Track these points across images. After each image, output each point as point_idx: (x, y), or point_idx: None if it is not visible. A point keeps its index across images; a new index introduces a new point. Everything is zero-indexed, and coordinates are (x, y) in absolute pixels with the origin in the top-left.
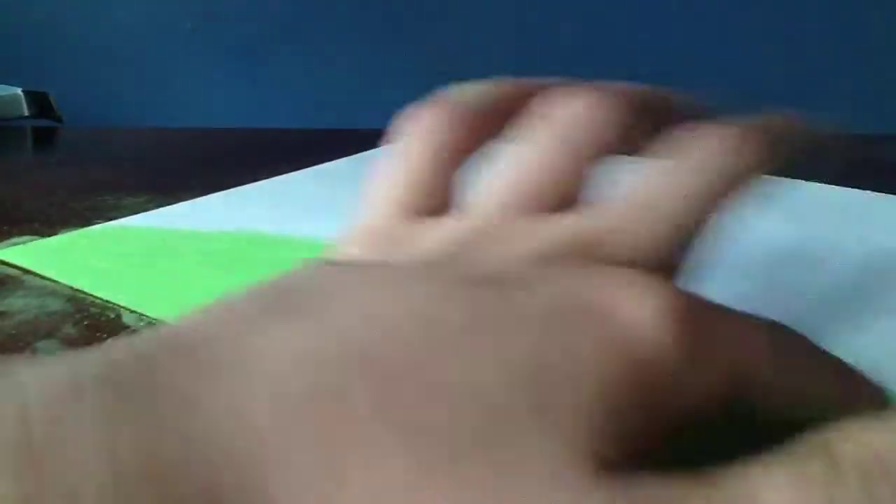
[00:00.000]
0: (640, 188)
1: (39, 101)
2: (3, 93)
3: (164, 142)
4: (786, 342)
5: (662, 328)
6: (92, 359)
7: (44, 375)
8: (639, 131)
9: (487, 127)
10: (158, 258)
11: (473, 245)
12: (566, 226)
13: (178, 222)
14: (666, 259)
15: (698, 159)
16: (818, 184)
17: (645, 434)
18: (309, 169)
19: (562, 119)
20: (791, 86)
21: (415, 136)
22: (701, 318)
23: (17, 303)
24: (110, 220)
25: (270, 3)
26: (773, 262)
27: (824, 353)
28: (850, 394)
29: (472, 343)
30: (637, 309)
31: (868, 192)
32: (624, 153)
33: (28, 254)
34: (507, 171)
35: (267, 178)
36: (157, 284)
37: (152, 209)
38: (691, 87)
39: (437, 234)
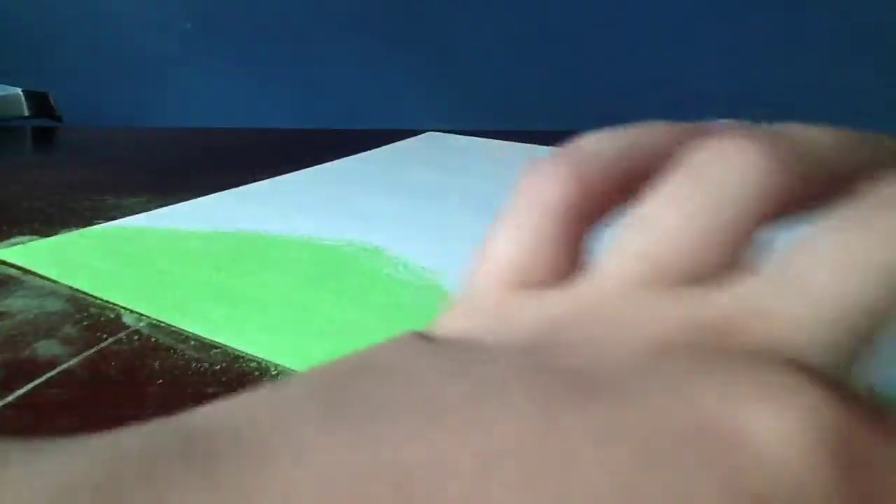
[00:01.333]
0: (796, 254)
1: (39, 101)
2: (3, 93)
3: (164, 142)
4: None
5: (810, 457)
6: (92, 458)
7: (32, 476)
8: (807, 195)
9: (623, 183)
10: (158, 258)
11: (575, 324)
12: (699, 305)
13: (178, 222)
14: (837, 351)
15: (879, 225)
16: None
17: None
18: (309, 169)
19: (714, 172)
20: (791, 86)
21: (534, 194)
22: (866, 439)
23: (16, 303)
24: (110, 220)
25: (270, 3)
26: None
27: None
28: None
29: (531, 489)
30: (776, 429)
31: None
32: (784, 218)
33: (28, 254)
34: (637, 235)
35: (267, 178)
36: (156, 284)
37: (152, 209)
38: (691, 87)
39: (538, 308)
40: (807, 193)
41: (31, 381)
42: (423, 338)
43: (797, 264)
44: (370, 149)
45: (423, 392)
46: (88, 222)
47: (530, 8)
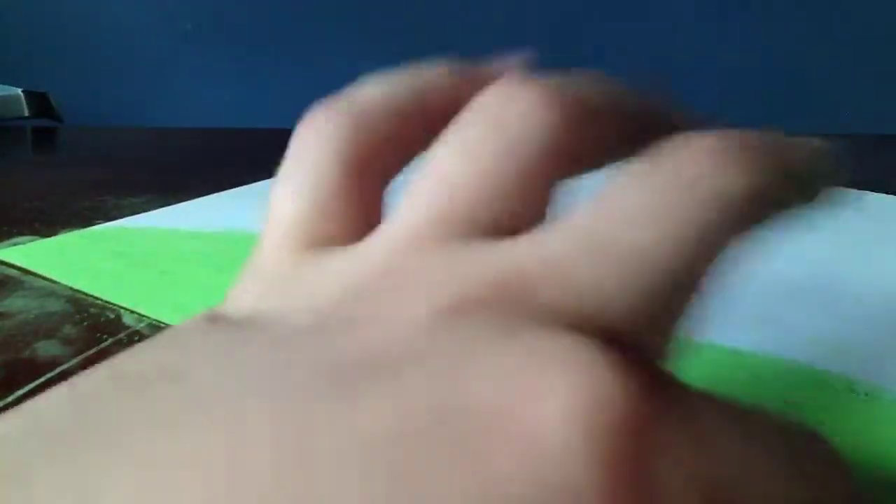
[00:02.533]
0: (603, 206)
1: (39, 101)
2: (3, 93)
3: (164, 142)
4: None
5: (577, 443)
6: None
7: None
8: (606, 142)
9: (407, 130)
10: (159, 258)
11: (364, 292)
12: (494, 260)
13: (179, 222)
14: (643, 317)
15: (687, 173)
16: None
17: None
18: None
19: (507, 118)
20: (791, 86)
21: (312, 144)
22: (649, 423)
23: (17, 303)
24: (110, 220)
25: (270, 3)
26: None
27: None
28: None
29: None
30: (548, 410)
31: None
32: (586, 169)
33: (28, 254)
34: (430, 183)
35: (267, 178)
36: (157, 285)
37: (152, 209)
38: (691, 87)
39: (328, 274)
40: (600, 144)
41: (31, 381)
42: (211, 320)
43: (599, 219)
44: None
45: (188, 392)
46: (88, 222)
47: (530, 8)
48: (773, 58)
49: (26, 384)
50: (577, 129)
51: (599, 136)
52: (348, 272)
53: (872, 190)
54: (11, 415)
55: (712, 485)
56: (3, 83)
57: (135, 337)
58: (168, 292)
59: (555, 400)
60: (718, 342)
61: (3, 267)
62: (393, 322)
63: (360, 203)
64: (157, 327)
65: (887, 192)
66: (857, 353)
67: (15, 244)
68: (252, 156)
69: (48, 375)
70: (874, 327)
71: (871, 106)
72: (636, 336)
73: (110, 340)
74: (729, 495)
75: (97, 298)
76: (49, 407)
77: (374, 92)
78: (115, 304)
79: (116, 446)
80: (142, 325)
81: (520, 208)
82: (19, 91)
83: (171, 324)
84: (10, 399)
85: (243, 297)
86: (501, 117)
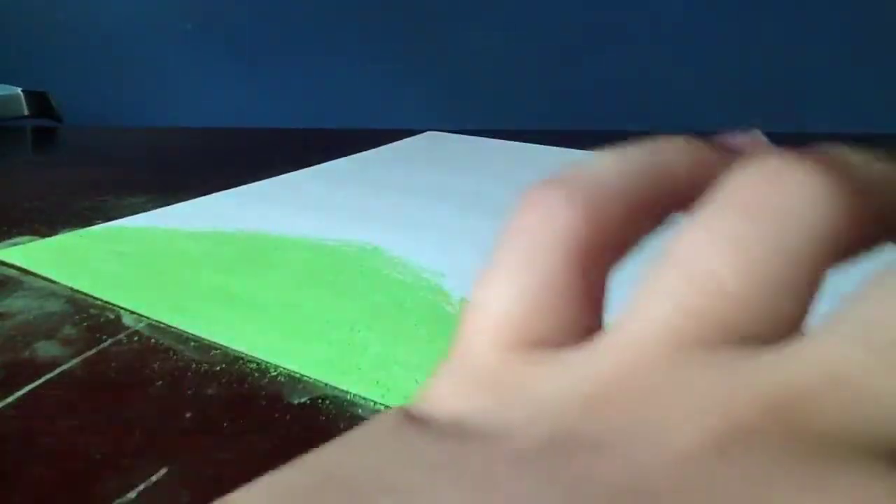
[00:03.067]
0: (890, 305)
1: (39, 101)
2: (3, 93)
3: (163, 142)
4: None
5: None
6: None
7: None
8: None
9: (640, 214)
10: (158, 259)
11: (604, 407)
12: (766, 376)
13: (179, 222)
14: None
15: None
16: None
17: None
18: (309, 169)
19: (774, 202)
20: (791, 86)
21: (535, 228)
22: None
23: (16, 303)
24: (110, 220)
25: (270, 3)
26: None
27: None
28: None
29: None
30: None
31: None
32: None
33: (28, 254)
34: (677, 282)
35: (267, 178)
36: (156, 285)
37: (152, 209)
38: (692, 88)
39: (558, 382)
40: (871, 230)
41: (31, 381)
42: (412, 422)
43: (883, 318)
44: (370, 149)
45: None
46: (88, 222)
47: (531, 8)
48: (773, 58)
49: (26, 384)
50: (854, 220)
51: (869, 226)
52: (583, 379)
53: None
54: None
55: None
56: (3, 83)
57: (134, 337)
58: (167, 293)
59: None
60: None
61: (3, 267)
62: (653, 444)
63: (585, 300)
64: (156, 328)
65: None
66: None
67: (14, 244)
68: (252, 156)
69: (48, 376)
70: None
71: (870, 106)
72: None
73: (110, 341)
74: None
75: (97, 299)
76: None
77: (608, 171)
78: (114, 305)
79: None
80: (141, 325)
81: (787, 310)
82: (19, 91)
83: (170, 324)
84: (10, 399)
85: (446, 397)
86: (770, 201)
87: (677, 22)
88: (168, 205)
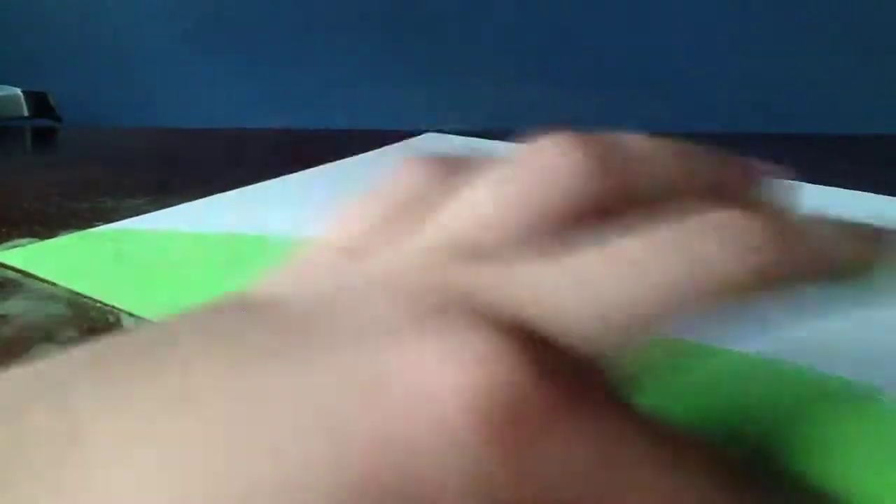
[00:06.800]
0: (608, 250)
1: (39, 101)
2: (3, 93)
3: (163, 142)
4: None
5: (454, 411)
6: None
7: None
8: (632, 196)
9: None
10: (159, 261)
11: (361, 292)
12: (454, 276)
13: (179, 224)
14: (595, 344)
15: (692, 244)
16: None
17: None
18: (311, 170)
19: (534, 166)
20: (791, 85)
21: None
22: (525, 412)
23: (16, 306)
24: (110, 221)
25: (270, 3)
26: None
27: None
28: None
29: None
30: (431, 383)
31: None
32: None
33: (27, 256)
34: (451, 210)
35: (267, 178)
36: (157, 287)
37: (153, 210)
38: (692, 88)
39: (344, 276)
40: (625, 200)
41: None
42: (237, 299)
43: (597, 261)
44: (370, 149)
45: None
46: (88, 224)
47: (531, 8)
48: (773, 58)
49: None
50: (596, 189)
51: (625, 190)
52: (358, 273)
53: (873, 190)
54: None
55: (598, 488)
56: (3, 83)
57: None
58: (168, 295)
59: (464, 375)
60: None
61: (3, 270)
62: (369, 313)
63: (400, 228)
64: None
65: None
66: (879, 361)
67: (14, 246)
68: (252, 156)
69: None
70: (888, 332)
71: (871, 106)
72: (589, 359)
73: None
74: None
75: (97, 301)
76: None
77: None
78: (115, 308)
79: (102, 390)
80: None
81: (523, 240)
82: (19, 91)
83: None
84: None
85: (271, 283)
86: (532, 164)
87: (681, 24)
88: (169, 206)
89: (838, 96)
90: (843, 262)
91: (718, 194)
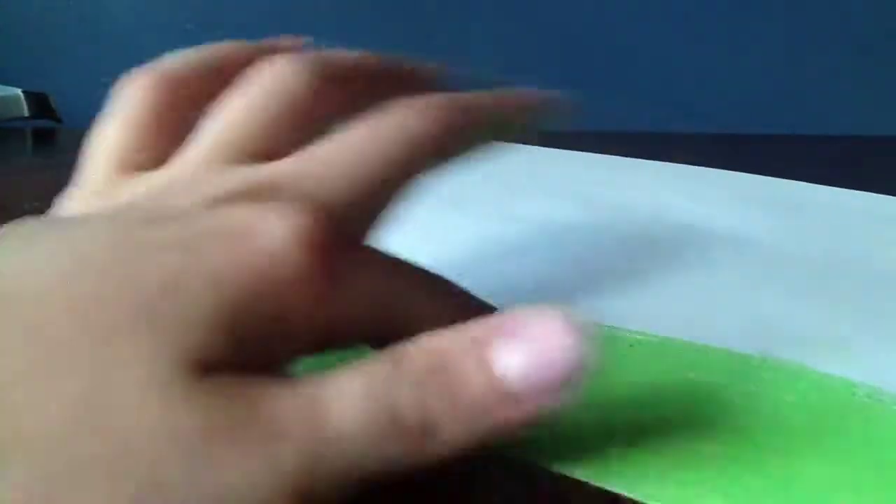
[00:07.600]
0: (336, 139)
1: (39, 102)
2: (3, 93)
3: None
4: (431, 283)
5: (290, 245)
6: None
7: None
8: (351, 97)
9: (208, 84)
10: None
11: (163, 194)
12: (253, 174)
13: None
14: (351, 206)
15: (384, 125)
16: (815, 185)
17: (274, 343)
18: None
19: (263, 79)
20: (790, 85)
21: (128, 95)
22: (335, 244)
23: None
24: None
25: (270, 3)
26: (767, 260)
27: (466, 296)
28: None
29: (111, 271)
30: (271, 230)
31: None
32: (341, 118)
33: None
34: (213, 125)
35: None
36: None
37: None
38: (692, 88)
39: (137, 187)
40: (338, 104)
41: None
42: (30, 220)
43: (330, 149)
44: None
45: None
46: None
47: (531, 8)
48: (773, 58)
49: None
50: (321, 86)
51: (343, 93)
52: (153, 183)
53: (872, 190)
54: None
55: (381, 301)
56: (3, 83)
57: None
58: None
59: (277, 226)
60: (715, 344)
61: None
62: (178, 202)
63: (167, 137)
64: None
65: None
66: (857, 354)
67: None
68: None
69: None
70: (873, 329)
71: (870, 106)
72: (347, 218)
73: None
74: (393, 310)
75: None
76: None
77: (179, 59)
78: None
79: None
80: None
81: (275, 144)
82: (19, 91)
83: None
84: None
85: (72, 207)
86: (260, 79)
87: (681, 25)
88: None
89: (838, 97)
90: (501, 117)
91: (416, 91)
